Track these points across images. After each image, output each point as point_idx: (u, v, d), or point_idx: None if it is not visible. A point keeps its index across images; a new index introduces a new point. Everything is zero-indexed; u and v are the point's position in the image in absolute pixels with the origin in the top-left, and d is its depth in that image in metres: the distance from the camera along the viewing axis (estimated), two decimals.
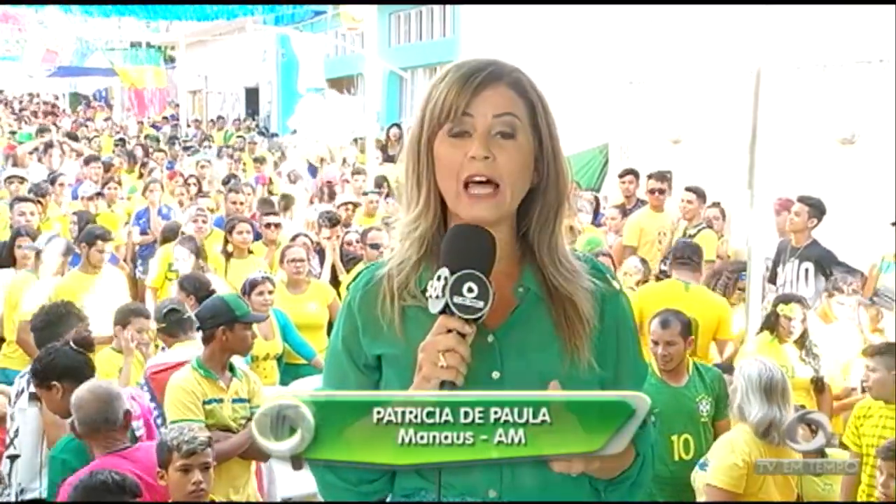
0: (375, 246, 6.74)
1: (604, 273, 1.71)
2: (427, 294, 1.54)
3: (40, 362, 4.02)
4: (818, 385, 5.05)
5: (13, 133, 17.50)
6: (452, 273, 1.52)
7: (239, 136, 18.71)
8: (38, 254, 6.26)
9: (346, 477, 1.64)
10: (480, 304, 1.51)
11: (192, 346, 4.62)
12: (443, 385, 1.50)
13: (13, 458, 4.12)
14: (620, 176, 9.40)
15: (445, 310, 1.51)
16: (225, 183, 11.24)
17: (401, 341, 1.61)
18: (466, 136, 1.58)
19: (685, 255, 5.85)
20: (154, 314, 5.01)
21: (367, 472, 1.63)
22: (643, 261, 6.84)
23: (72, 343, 4.19)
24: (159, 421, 4.24)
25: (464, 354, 1.50)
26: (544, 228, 1.65)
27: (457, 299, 1.50)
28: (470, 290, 1.51)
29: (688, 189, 8.13)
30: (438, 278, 1.53)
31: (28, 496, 4.05)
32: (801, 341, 5.07)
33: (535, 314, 1.64)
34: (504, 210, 1.60)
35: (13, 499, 4.04)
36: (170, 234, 7.69)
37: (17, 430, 4.15)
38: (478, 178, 1.57)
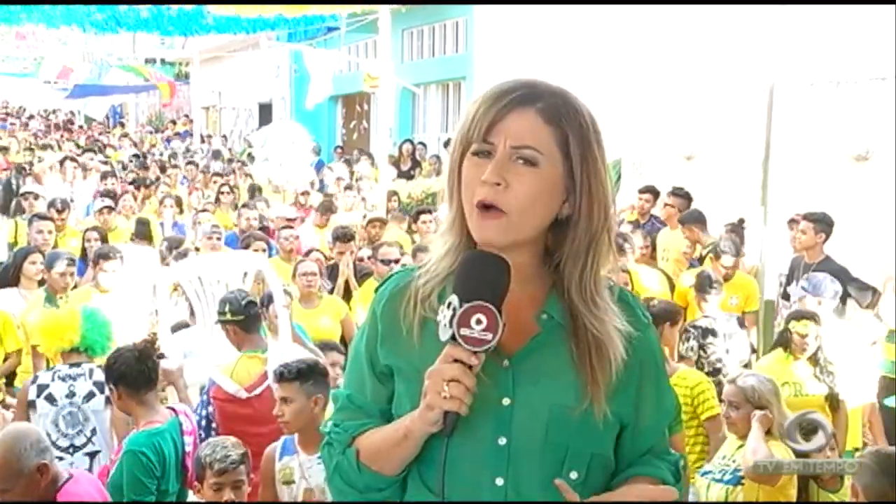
0: (387, 262, 6.72)
1: (634, 308, 1.66)
2: (437, 319, 1.51)
3: (106, 364, 4.14)
4: (833, 402, 5.01)
5: (30, 150, 17.64)
6: (462, 302, 1.47)
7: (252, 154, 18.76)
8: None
9: (354, 483, 1.64)
10: (489, 336, 1.46)
11: (264, 354, 4.56)
12: (446, 415, 1.48)
13: None
14: (640, 192, 9.41)
15: (454, 338, 1.48)
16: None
17: (415, 352, 1.58)
18: (490, 156, 1.54)
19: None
20: (227, 305, 4.70)
21: (376, 480, 1.63)
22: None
23: (136, 350, 4.23)
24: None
25: (468, 385, 1.47)
26: (574, 263, 1.58)
27: (464, 331, 1.46)
28: (479, 321, 1.46)
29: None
30: (448, 305, 1.49)
31: None
32: (815, 358, 5.03)
33: (554, 343, 1.58)
34: (515, 236, 1.55)
35: None
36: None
37: None
38: (486, 203, 1.53)
